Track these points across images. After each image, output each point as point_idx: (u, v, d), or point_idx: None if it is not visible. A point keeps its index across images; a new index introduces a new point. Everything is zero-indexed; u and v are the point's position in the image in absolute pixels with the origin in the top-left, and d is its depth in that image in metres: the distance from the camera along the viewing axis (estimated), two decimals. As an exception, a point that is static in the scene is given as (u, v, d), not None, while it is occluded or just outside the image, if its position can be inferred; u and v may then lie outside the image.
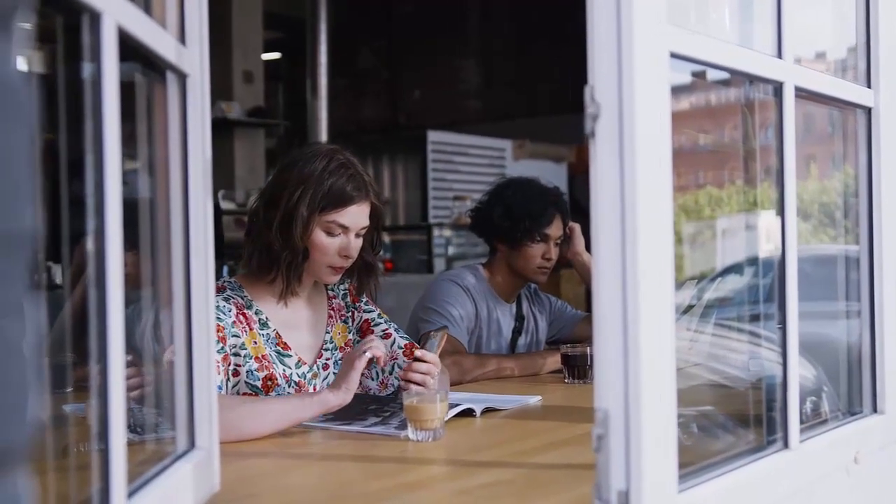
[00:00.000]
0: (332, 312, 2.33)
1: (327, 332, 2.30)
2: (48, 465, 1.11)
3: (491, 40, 9.24)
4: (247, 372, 2.11)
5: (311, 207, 2.12)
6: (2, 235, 0.56)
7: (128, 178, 1.10)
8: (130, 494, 1.06)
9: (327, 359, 2.28)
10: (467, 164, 7.92)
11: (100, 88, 0.98)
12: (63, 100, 1.05)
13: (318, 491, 1.56)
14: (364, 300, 2.38)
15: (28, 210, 0.59)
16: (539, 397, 2.33)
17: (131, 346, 1.06)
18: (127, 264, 1.04)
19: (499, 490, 1.50)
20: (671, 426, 1.20)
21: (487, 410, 2.14)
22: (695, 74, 1.46)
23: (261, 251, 2.17)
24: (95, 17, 0.97)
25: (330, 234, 2.15)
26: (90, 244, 0.98)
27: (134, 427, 1.33)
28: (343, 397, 1.91)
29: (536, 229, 2.92)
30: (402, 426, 1.88)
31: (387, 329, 2.35)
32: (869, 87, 1.78)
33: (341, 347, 2.31)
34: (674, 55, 1.22)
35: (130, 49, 1.09)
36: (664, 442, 1.18)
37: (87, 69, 0.99)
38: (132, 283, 1.16)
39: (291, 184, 2.13)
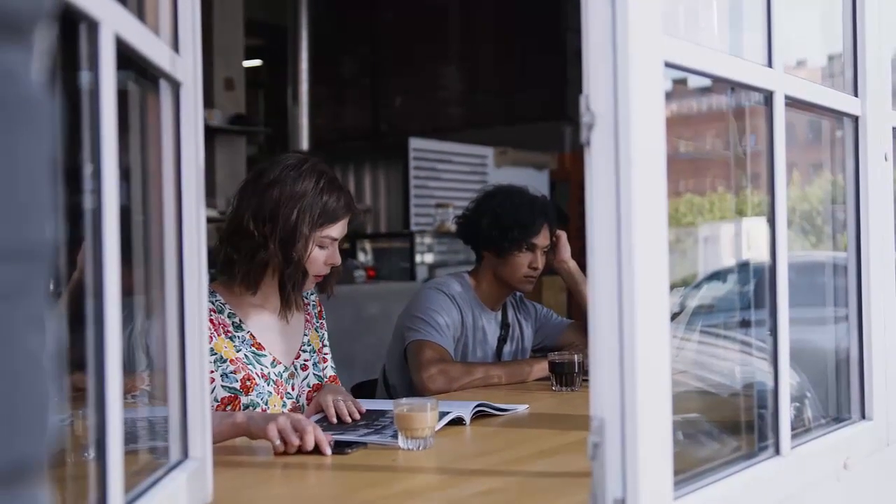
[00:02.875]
0: (308, 318, 2.39)
1: (305, 335, 2.35)
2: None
3: (473, 48, 9.26)
4: (222, 375, 2.14)
5: (312, 226, 2.18)
6: (25, 248, 0.56)
7: (120, 186, 1.09)
8: (126, 505, 1.06)
9: (305, 360, 2.33)
10: (449, 171, 7.91)
11: (97, 96, 0.98)
12: (57, 107, 1.04)
13: (311, 501, 1.55)
14: (324, 317, 2.46)
15: (49, 222, 0.59)
16: (527, 406, 2.33)
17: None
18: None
19: (493, 499, 1.49)
20: (667, 433, 1.20)
21: (478, 414, 2.14)
22: (676, 81, 1.46)
23: (257, 268, 2.18)
24: (93, 26, 0.97)
25: (322, 247, 2.22)
26: (88, 254, 0.98)
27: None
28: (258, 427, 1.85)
29: (524, 239, 2.91)
30: (397, 436, 1.87)
31: (327, 354, 2.43)
32: (856, 95, 1.80)
33: (318, 351, 2.37)
34: (668, 64, 1.23)
35: (124, 57, 1.09)
36: (660, 449, 1.18)
37: (83, 77, 0.99)
38: (122, 291, 1.15)
39: (284, 202, 2.16)
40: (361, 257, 7.26)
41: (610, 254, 1.15)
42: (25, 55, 0.59)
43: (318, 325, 2.42)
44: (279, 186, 2.17)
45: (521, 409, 2.31)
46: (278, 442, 1.78)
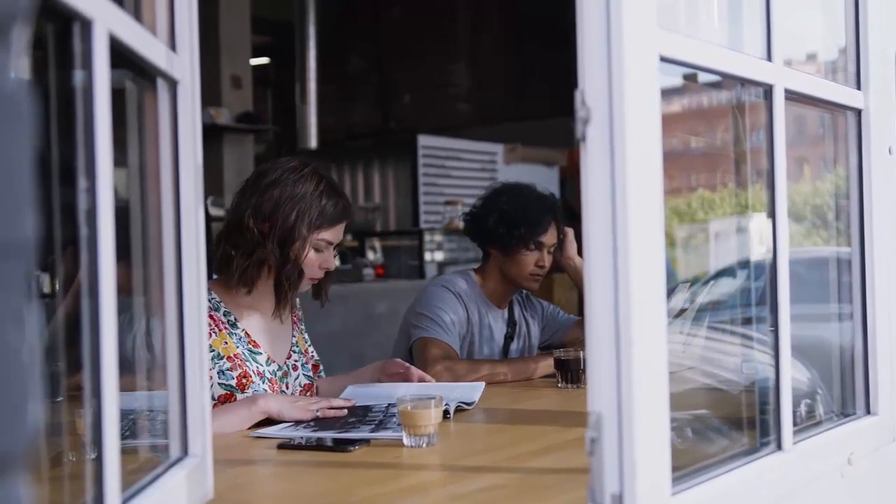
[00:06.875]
0: (295, 320, 2.44)
1: (293, 336, 2.41)
2: (40, 474, 1.11)
3: (481, 44, 9.25)
4: (219, 373, 2.18)
5: (310, 227, 2.21)
6: (4, 243, 0.57)
7: (117, 186, 1.09)
8: (124, 502, 1.06)
9: (295, 360, 2.38)
10: (458, 168, 7.91)
11: (91, 95, 0.98)
12: (52, 106, 1.05)
13: (312, 498, 1.55)
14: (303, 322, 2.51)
15: (29, 218, 0.59)
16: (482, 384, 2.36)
17: (123, 355, 1.06)
18: (116, 273, 1.04)
19: (494, 495, 1.49)
20: (664, 428, 1.20)
21: (459, 410, 2.18)
22: (686, 77, 1.46)
23: (254, 265, 2.21)
24: (86, 25, 0.97)
25: (317, 250, 2.26)
26: (83, 253, 0.98)
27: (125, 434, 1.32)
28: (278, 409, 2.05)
29: (531, 237, 2.90)
30: (401, 429, 1.87)
31: (314, 355, 2.49)
32: (859, 89, 1.78)
33: (304, 352, 2.42)
34: (663, 59, 1.22)
35: (120, 56, 1.09)
36: (657, 444, 1.18)
37: (77, 76, 0.99)
38: (122, 291, 1.16)
39: (284, 202, 2.20)
40: (370, 255, 7.27)
41: (606, 248, 1.15)
42: (3, 54, 0.59)
43: (301, 328, 2.47)
44: (279, 187, 2.21)
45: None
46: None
